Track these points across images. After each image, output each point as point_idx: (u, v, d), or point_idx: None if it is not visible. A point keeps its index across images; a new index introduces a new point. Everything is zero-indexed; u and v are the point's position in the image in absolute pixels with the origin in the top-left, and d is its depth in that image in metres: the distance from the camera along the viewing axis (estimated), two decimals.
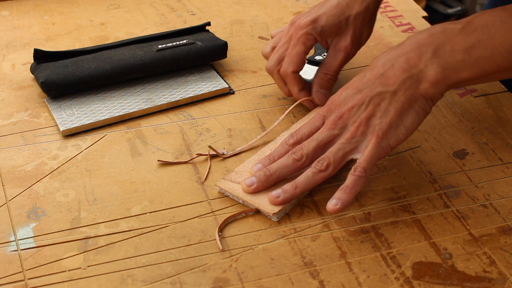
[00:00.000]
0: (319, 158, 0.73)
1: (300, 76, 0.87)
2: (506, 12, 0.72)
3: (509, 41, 0.70)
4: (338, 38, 0.86)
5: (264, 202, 0.73)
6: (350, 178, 0.71)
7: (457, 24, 0.73)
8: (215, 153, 0.81)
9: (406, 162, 0.81)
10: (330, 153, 0.73)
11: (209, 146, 0.81)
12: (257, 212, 0.74)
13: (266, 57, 0.91)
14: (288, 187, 0.73)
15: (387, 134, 0.72)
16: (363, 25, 0.87)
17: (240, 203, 0.74)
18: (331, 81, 0.87)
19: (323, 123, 0.76)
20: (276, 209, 0.72)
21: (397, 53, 0.74)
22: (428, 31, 0.74)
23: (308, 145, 0.74)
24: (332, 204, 0.70)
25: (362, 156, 0.72)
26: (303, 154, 0.74)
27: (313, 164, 0.73)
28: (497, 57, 0.71)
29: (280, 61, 0.86)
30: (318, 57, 0.95)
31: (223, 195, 0.76)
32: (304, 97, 0.87)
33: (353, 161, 0.73)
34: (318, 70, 0.87)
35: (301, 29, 0.85)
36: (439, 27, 0.74)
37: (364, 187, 0.76)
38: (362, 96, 0.74)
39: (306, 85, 0.88)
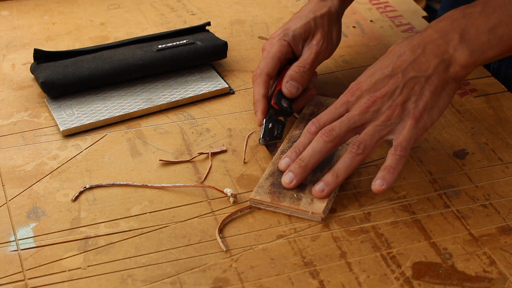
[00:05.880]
0: (355, 141, 0.74)
1: (268, 82, 0.86)
2: None
3: None
4: (310, 39, 0.89)
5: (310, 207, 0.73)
6: (392, 158, 0.73)
7: (476, 7, 0.76)
8: (216, 151, 0.81)
9: (406, 162, 0.80)
10: (367, 136, 0.74)
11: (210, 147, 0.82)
12: (250, 208, 0.74)
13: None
14: (329, 178, 0.74)
15: (423, 116, 0.75)
16: (330, 23, 0.90)
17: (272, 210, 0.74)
18: (304, 75, 0.86)
19: (346, 109, 0.76)
20: (320, 209, 0.72)
21: (424, 40, 0.76)
22: (449, 17, 0.77)
23: (340, 127, 0.75)
24: (378, 184, 0.72)
25: (400, 137, 0.74)
26: (334, 135, 0.74)
27: (349, 148, 0.73)
28: None
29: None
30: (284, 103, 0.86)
31: (223, 194, 0.76)
32: (263, 107, 0.84)
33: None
34: (292, 66, 0.87)
35: (273, 39, 0.88)
36: (458, 12, 0.77)
37: (365, 187, 0.77)
38: (395, 81, 0.75)
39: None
